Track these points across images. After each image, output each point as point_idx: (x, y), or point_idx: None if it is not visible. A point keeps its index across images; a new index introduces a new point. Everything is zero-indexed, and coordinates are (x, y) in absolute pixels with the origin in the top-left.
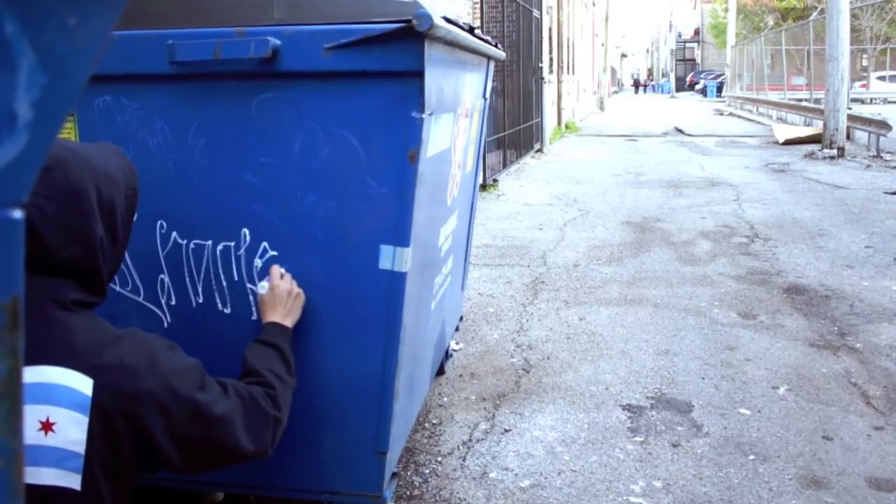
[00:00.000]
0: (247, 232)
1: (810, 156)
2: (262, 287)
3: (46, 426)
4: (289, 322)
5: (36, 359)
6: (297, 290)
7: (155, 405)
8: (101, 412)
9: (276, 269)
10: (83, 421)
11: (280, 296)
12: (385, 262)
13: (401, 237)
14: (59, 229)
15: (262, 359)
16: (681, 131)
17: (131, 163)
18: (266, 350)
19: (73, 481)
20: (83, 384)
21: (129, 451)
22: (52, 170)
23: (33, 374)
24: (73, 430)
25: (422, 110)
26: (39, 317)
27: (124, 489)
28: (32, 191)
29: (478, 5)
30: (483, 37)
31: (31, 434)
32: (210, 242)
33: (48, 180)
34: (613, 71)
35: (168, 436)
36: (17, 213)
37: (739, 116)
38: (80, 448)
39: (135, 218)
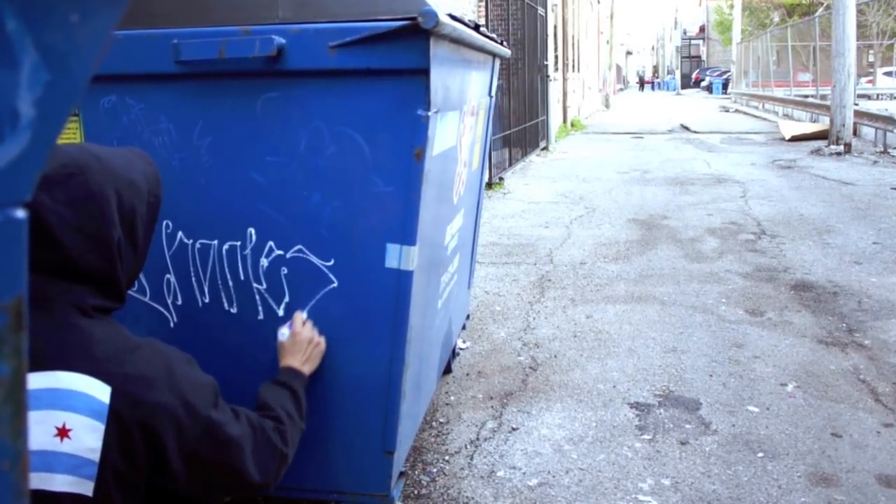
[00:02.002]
0: (253, 231)
1: (817, 152)
2: (283, 334)
3: (62, 432)
4: (307, 369)
5: (54, 364)
6: (318, 338)
7: (171, 417)
8: (118, 420)
9: (299, 316)
10: (99, 428)
11: (301, 343)
12: (391, 261)
13: (407, 236)
14: (78, 236)
15: (275, 396)
16: (686, 128)
17: (157, 169)
18: (280, 390)
19: (86, 488)
20: (101, 391)
21: (142, 461)
22: (73, 176)
23: (51, 380)
24: (89, 438)
25: (427, 108)
26: (60, 322)
27: (136, 498)
28: (53, 196)
29: (483, 3)
30: (488, 34)
31: (47, 440)
32: (216, 242)
33: (69, 186)
34: (619, 68)
35: (179, 450)
36: (20, 213)
37: (745, 113)
38: (95, 455)
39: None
